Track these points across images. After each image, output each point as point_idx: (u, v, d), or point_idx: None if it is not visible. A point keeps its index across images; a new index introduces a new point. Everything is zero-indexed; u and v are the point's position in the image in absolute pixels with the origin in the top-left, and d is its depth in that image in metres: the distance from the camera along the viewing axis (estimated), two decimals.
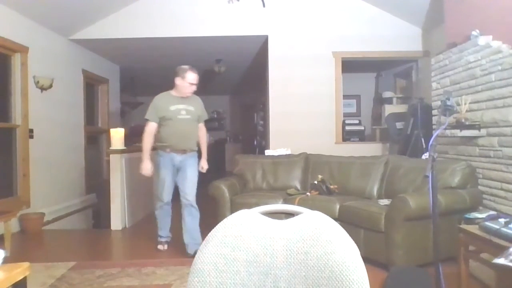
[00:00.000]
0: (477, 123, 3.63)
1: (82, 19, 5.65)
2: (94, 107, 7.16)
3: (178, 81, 3.70)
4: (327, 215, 0.97)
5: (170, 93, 3.83)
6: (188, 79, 3.68)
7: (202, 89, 13.30)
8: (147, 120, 3.77)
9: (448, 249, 2.84)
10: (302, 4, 5.86)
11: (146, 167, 3.74)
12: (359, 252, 0.90)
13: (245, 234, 0.95)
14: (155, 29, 5.81)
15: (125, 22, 5.79)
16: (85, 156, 6.47)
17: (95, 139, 7.18)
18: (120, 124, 7.56)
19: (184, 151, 3.74)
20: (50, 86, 5.28)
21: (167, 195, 3.79)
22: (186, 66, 3.75)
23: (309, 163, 4.68)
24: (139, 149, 5.87)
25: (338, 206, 3.68)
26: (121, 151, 4.96)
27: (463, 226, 2.62)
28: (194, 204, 3.73)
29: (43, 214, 4.89)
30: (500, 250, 2.02)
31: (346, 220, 3.46)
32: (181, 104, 3.74)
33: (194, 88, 3.77)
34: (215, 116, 13.03)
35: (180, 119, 3.70)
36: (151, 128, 3.74)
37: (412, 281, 2.71)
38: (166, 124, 3.69)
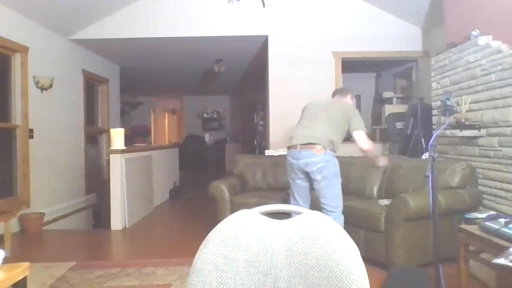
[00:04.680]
0: (477, 123, 3.63)
1: (82, 19, 5.65)
2: (94, 107, 7.16)
3: (350, 99, 3.59)
4: None
5: None
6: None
7: (202, 89, 13.26)
8: (364, 129, 3.33)
9: (448, 249, 2.84)
10: (302, 4, 5.86)
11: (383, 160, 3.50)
12: (359, 252, 0.90)
13: (245, 234, 0.95)
14: (155, 29, 5.81)
15: (125, 22, 5.79)
16: (85, 156, 6.47)
17: (95, 139, 7.19)
18: (120, 124, 7.58)
19: None
20: (50, 86, 5.28)
21: None
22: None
23: None
24: (139, 149, 5.92)
25: None
26: (121, 151, 4.96)
27: (463, 226, 2.62)
28: None
29: (43, 214, 4.89)
30: (500, 250, 2.02)
31: (346, 220, 3.45)
32: None
33: None
34: (215, 116, 13.05)
35: None
36: None
37: (412, 281, 2.71)
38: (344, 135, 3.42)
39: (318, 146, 3.09)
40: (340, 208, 3.22)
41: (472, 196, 3.37)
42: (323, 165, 3.09)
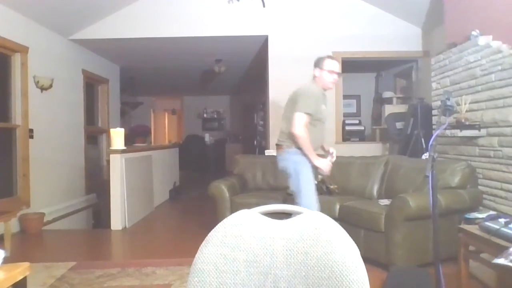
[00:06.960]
0: (477, 123, 3.63)
1: (82, 19, 5.65)
2: (94, 107, 7.16)
3: (316, 72, 3.08)
4: (327, 215, 0.97)
5: (316, 86, 3.09)
6: (327, 67, 3.05)
7: (202, 89, 13.26)
8: (306, 113, 2.93)
9: (448, 249, 2.84)
10: (302, 4, 5.86)
11: (326, 163, 3.05)
12: (359, 252, 0.90)
13: (245, 234, 0.95)
14: (155, 29, 5.81)
15: (125, 22, 5.79)
16: (85, 156, 6.47)
17: (95, 139, 7.18)
18: (120, 124, 7.57)
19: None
20: (50, 86, 5.28)
21: (318, 202, 3.07)
22: (324, 56, 3.13)
23: None
24: (139, 149, 5.92)
25: (338, 206, 3.68)
26: (121, 151, 4.96)
27: (463, 226, 2.62)
28: None
29: (43, 214, 4.89)
30: (500, 250, 2.02)
31: (346, 220, 3.46)
32: (324, 102, 3.17)
33: (335, 77, 3.10)
34: (215, 116, 13.05)
35: (324, 121, 3.16)
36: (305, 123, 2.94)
37: (412, 281, 2.71)
38: (315, 124, 3.02)
39: (282, 146, 3.13)
40: (314, 207, 2.95)
41: (472, 196, 3.37)
42: (283, 164, 3.13)
